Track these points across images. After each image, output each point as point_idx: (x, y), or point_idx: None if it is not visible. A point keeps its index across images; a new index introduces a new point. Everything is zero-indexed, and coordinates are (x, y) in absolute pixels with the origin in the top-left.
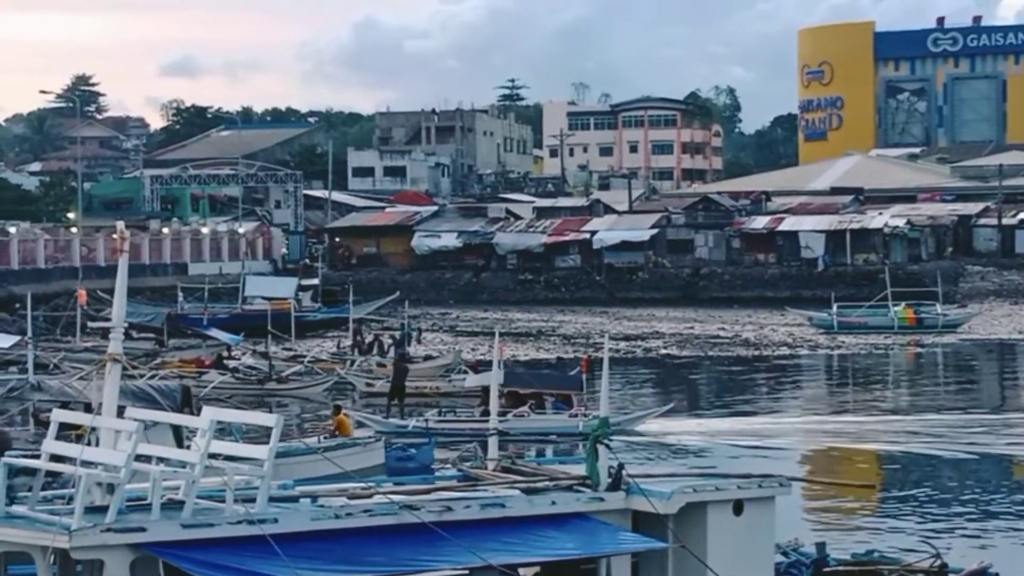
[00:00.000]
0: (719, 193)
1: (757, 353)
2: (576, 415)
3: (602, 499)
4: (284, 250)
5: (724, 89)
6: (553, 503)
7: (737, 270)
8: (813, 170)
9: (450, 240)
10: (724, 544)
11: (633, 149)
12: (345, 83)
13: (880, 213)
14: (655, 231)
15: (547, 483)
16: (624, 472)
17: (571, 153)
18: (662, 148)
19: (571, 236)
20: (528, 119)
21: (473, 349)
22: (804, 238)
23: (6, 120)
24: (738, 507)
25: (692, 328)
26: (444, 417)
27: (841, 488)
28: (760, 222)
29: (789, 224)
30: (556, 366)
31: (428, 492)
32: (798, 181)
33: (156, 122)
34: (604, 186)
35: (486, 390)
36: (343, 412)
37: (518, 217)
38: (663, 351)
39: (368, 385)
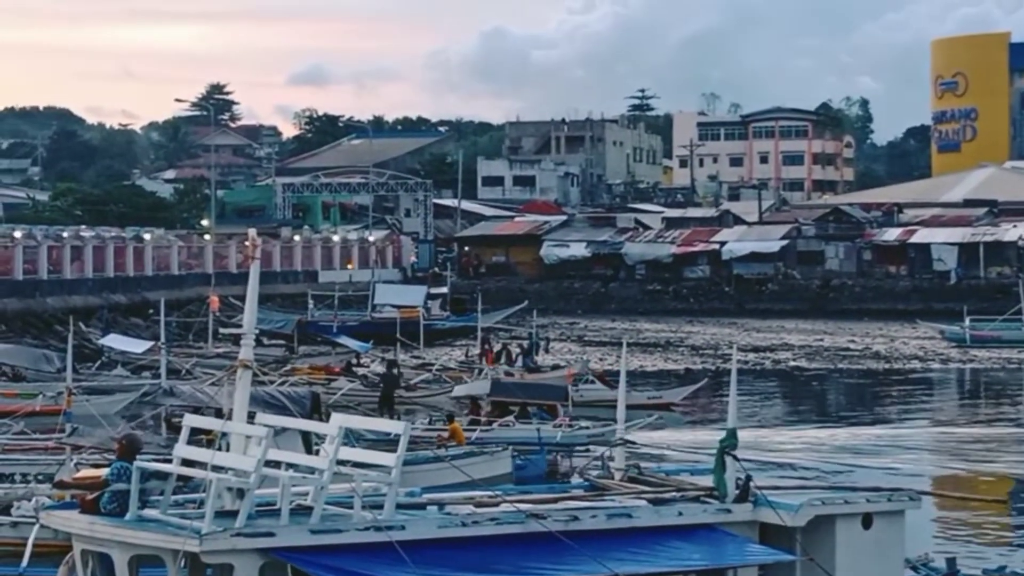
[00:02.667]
0: (850, 204)
1: (887, 366)
2: (560, 425)
3: (729, 511)
4: (414, 258)
5: (856, 100)
6: (680, 514)
7: (868, 282)
8: (946, 182)
9: (579, 250)
10: (853, 558)
11: (763, 160)
12: (473, 92)
13: (1014, 226)
14: (785, 242)
15: (674, 494)
16: (752, 484)
17: (701, 163)
18: (793, 159)
19: (700, 247)
20: (657, 129)
21: (601, 359)
22: (936, 250)
23: (142, 128)
24: (867, 521)
25: (821, 340)
26: (433, 426)
27: (972, 503)
28: (892, 234)
29: (921, 236)
30: (683, 376)
31: (554, 501)
32: (931, 193)
33: (288, 131)
34: (734, 197)
35: (473, 399)
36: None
37: (647, 227)
38: (792, 363)
39: None
